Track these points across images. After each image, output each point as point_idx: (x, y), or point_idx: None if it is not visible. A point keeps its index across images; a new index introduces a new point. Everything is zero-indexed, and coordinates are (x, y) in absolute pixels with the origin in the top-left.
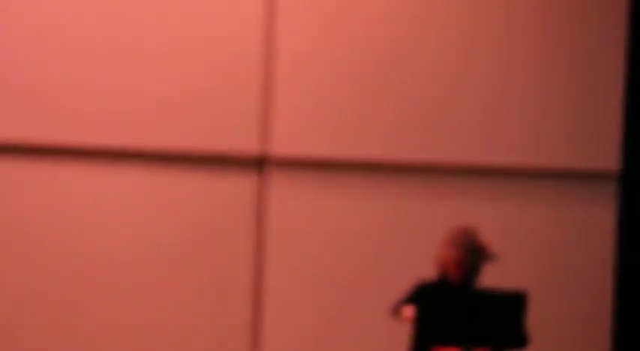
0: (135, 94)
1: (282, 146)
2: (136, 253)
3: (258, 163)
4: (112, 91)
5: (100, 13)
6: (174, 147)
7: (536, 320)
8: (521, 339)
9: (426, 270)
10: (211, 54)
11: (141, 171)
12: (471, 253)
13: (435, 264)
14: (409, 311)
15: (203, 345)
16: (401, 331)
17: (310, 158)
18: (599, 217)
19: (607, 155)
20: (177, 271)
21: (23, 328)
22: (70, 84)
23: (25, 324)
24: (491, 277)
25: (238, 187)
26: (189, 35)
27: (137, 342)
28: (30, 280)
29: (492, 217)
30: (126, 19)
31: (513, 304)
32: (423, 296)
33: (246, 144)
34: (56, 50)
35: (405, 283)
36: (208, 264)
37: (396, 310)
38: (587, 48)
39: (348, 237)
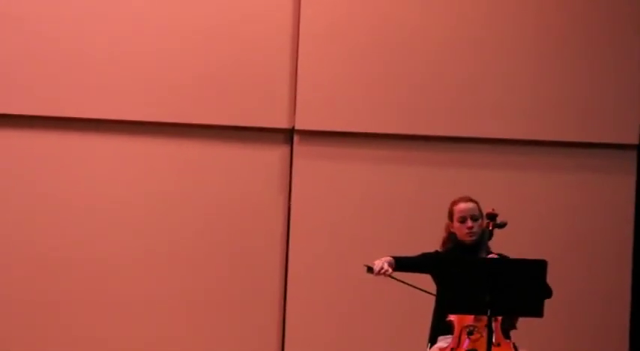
0: (182, 73)
1: (307, 120)
2: (179, 216)
3: (288, 135)
4: (163, 68)
5: None
6: (214, 121)
7: (557, 287)
8: (546, 293)
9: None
10: (248, 40)
11: (188, 142)
12: (479, 208)
13: (445, 230)
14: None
15: (237, 297)
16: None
17: (333, 131)
18: (620, 185)
19: (627, 130)
20: (218, 230)
21: (61, 298)
22: (119, 62)
23: (58, 297)
24: (514, 246)
25: (270, 155)
26: (230, 20)
27: (175, 308)
28: (61, 252)
29: (515, 186)
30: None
31: (533, 271)
32: (436, 263)
33: (277, 118)
34: (97, 29)
35: (417, 245)
36: (244, 221)
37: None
38: (607, 27)
39: (366, 202)
